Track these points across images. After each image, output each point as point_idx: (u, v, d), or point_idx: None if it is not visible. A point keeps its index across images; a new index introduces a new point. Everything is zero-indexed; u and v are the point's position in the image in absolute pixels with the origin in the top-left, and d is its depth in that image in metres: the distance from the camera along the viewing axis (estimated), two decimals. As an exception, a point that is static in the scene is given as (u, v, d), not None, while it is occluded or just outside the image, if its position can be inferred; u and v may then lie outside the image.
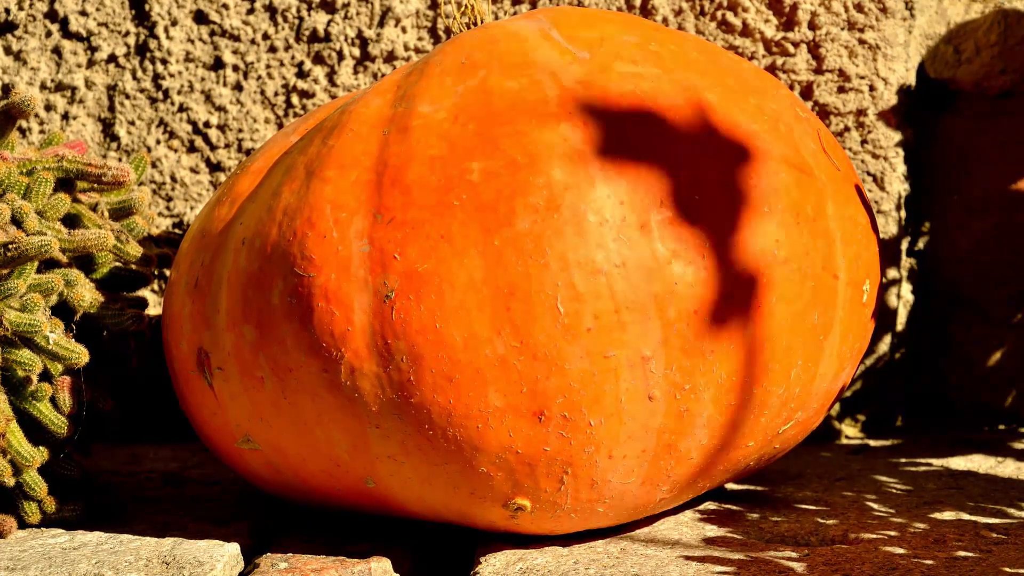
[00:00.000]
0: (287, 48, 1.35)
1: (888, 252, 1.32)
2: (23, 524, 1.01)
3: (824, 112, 1.30)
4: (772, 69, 1.30)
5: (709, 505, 1.04)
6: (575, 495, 0.88)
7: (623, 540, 0.94)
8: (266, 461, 0.95)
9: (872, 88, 1.30)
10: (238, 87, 1.35)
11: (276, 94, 1.35)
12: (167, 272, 1.33)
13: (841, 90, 1.30)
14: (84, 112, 1.37)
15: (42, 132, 1.37)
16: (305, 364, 0.88)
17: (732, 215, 0.88)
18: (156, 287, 1.35)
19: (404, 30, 1.33)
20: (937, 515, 1.00)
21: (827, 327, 0.92)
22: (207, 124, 1.36)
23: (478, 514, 0.91)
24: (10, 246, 0.95)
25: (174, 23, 1.35)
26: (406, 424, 0.86)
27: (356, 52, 1.34)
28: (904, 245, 1.34)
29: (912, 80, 1.32)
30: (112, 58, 1.37)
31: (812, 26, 1.30)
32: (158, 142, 1.37)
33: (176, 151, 1.36)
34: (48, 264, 1.01)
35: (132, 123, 1.37)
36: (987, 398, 1.35)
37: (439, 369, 0.84)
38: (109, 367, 1.05)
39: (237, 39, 1.35)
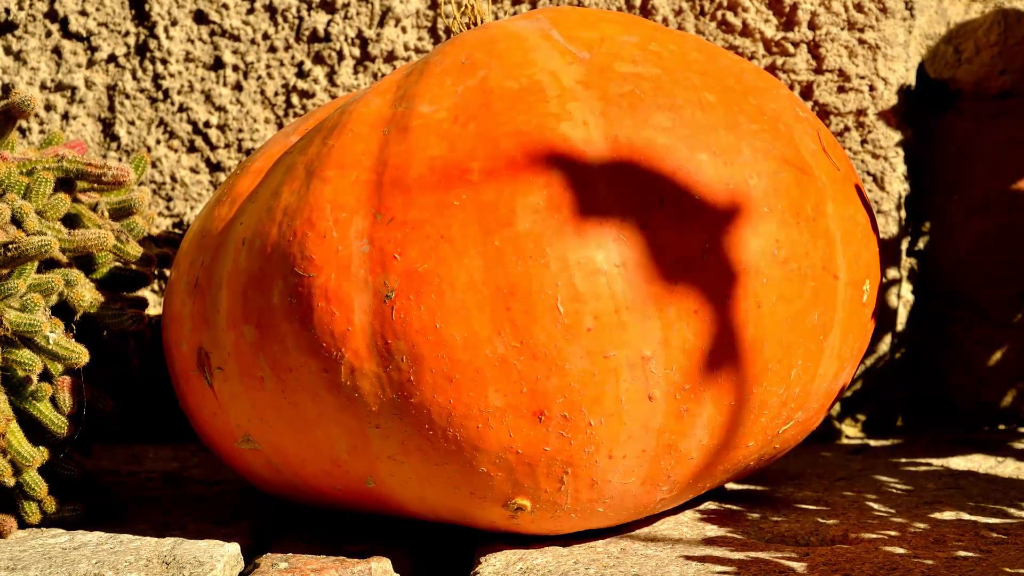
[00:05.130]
0: (287, 48, 1.35)
1: (888, 252, 1.32)
2: (23, 524, 1.01)
3: (824, 112, 1.30)
4: (772, 69, 1.30)
5: (709, 505, 1.04)
6: (575, 495, 0.88)
7: (623, 540, 0.94)
8: (266, 461, 0.95)
9: (872, 88, 1.30)
10: (238, 87, 1.35)
11: (276, 94, 1.35)
12: (167, 272, 1.33)
13: (841, 90, 1.30)
14: (84, 112, 1.37)
15: (42, 132, 1.37)
16: (305, 364, 0.88)
17: (732, 215, 0.88)
18: (156, 287, 1.35)
19: (404, 30, 1.33)
20: (937, 515, 1.00)
21: (827, 327, 0.92)
22: (207, 124, 1.36)
23: (478, 514, 0.91)
24: (10, 246, 0.95)
25: (174, 23, 1.35)
26: (406, 424, 0.86)
27: (356, 52, 1.34)
28: (904, 245, 1.34)
29: (912, 80, 1.32)
30: (112, 58, 1.37)
31: (812, 26, 1.30)
32: (158, 142, 1.37)
33: (176, 151, 1.36)
34: (48, 264, 1.01)
35: (132, 123, 1.37)
36: (987, 398, 1.34)
37: (439, 369, 0.84)
38: (109, 367, 1.05)
39: (237, 39, 1.35)
